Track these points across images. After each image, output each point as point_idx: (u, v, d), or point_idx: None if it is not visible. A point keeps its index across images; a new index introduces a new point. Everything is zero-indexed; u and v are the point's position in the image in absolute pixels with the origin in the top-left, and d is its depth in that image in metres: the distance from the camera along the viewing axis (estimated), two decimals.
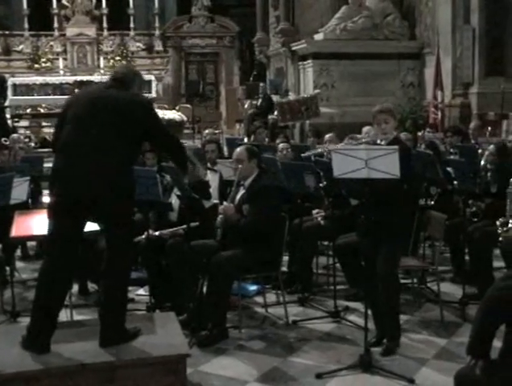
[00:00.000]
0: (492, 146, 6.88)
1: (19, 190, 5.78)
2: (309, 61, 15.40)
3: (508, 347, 2.90)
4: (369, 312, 4.88)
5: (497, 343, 2.98)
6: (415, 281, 6.28)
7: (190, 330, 5.13)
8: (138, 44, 21.47)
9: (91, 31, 20.60)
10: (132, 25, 21.21)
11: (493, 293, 2.91)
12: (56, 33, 20.63)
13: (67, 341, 4.08)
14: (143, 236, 5.88)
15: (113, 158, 3.98)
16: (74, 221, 4.02)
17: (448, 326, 5.47)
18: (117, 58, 20.65)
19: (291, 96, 14.54)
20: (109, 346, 4.00)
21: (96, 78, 19.10)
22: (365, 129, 7.75)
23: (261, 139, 10.23)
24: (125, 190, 4.07)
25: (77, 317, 5.51)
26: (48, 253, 4.13)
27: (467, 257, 6.59)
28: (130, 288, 6.39)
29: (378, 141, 5.01)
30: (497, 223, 5.91)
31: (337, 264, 6.12)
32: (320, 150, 6.74)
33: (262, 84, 15.83)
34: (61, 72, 19.58)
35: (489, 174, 6.70)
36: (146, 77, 20.07)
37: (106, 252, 4.12)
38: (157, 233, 5.86)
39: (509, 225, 5.85)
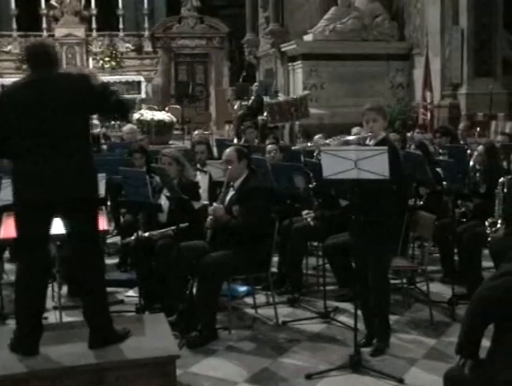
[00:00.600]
0: (480, 147, 6.90)
1: (8, 191, 5.75)
2: (298, 62, 15.42)
3: (496, 347, 2.91)
4: (359, 312, 4.88)
5: (486, 343, 2.99)
6: (405, 281, 6.29)
7: (180, 331, 5.12)
8: (127, 45, 21.44)
9: (80, 32, 20.56)
10: (121, 26, 21.19)
11: (482, 293, 2.92)
12: (45, 33, 20.55)
13: (56, 343, 4.06)
14: (133, 237, 5.87)
15: (76, 156, 3.88)
16: (44, 222, 3.98)
17: (437, 326, 5.49)
18: (107, 59, 20.63)
19: (281, 97, 14.53)
20: (98, 348, 3.98)
21: None
22: (355, 129, 7.77)
23: (250, 140, 10.23)
24: (93, 185, 4.02)
25: (66, 318, 5.48)
26: (21, 257, 4.03)
27: (456, 257, 6.62)
28: (119, 289, 6.48)
29: (367, 142, 5.01)
30: (486, 223, 5.95)
31: (327, 265, 6.13)
32: (309, 144, 6.74)
33: (255, 84, 15.82)
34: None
35: (477, 174, 6.73)
36: (136, 78, 20.19)
37: (75, 252, 4.06)
38: (146, 234, 5.84)
39: (498, 225, 5.89)
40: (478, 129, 11.04)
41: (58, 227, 4.16)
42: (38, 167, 3.85)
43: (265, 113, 13.02)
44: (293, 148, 6.87)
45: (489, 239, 5.91)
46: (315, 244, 6.96)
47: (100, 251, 4.22)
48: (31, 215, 3.90)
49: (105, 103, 4.05)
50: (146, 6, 21.40)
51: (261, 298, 6.16)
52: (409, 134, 10.91)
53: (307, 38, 15.69)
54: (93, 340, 4.01)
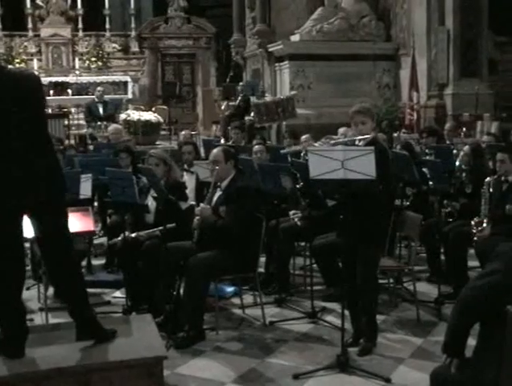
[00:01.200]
0: (466, 147, 6.95)
1: None
2: (285, 62, 15.43)
3: (482, 346, 2.93)
4: (346, 312, 4.89)
5: (472, 342, 3.00)
6: (392, 281, 6.31)
7: (167, 332, 5.11)
8: (113, 45, 21.36)
9: (66, 32, 20.45)
10: (108, 26, 21.11)
11: (468, 292, 2.93)
12: (30, 33, 20.47)
13: (42, 345, 4.04)
14: (119, 238, 5.86)
15: (40, 155, 3.83)
16: (17, 223, 3.95)
17: (424, 326, 5.51)
18: (93, 59, 20.54)
19: (268, 98, 14.55)
20: (85, 340, 3.96)
21: (71, 79, 19.04)
22: (341, 130, 7.79)
23: (237, 140, 10.23)
24: (60, 183, 3.99)
25: (52, 320, 5.46)
26: None
27: (442, 257, 6.65)
28: (106, 290, 6.46)
29: (356, 142, 5.01)
30: (472, 223, 5.98)
31: (314, 265, 6.14)
32: (298, 147, 6.75)
33: (241, 84, 15.82)
34: (36, 73, 19.40)
35: (463, 174, 6.77)
36: (122, 78, 20.13)
37: (44, 252, 4.03)
38: (133, 235, 5.83)
39: (484, 225, 5.92)
40: (464, 129, 11.09)
41: None
42: (5, 169, 3.80)
43: (252, 114, 13.04)
44: (282, 152, 6.84)
45: (475, 238, 5.94)
46: (303, 244, 6.96)
47: (70, 248, 4.15)
48: (9, 217, 3.87)
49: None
50: (132, 6, 21.35)
51: (248, 299, 6.16)
52: (395, 134, 10.95)
53: (294, 38, 15.71)
54: (80, 333, 3.99)
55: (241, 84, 15.86)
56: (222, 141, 11.52)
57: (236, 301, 6.13)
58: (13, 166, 3.78)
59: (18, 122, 3.77)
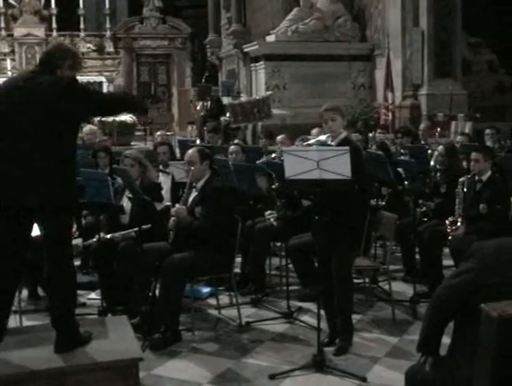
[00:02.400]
0: (441, 147, 7.00)
1: None
2: (261, 63, 15.44)
3: (456, 344, 2.95)
4: (322, 312, 4.90)
5: (447, 340, 3.02)
6: (367, 280, 6.34)
7: (143, 333, 5.09)
8: (88, 45, 21.23)
9: (40, 32, 20.30)
10: (82, 26, 20.97)
11: (442, 290, 2.95)
12: (3, 33, 20.28)
13: (16, 348, 4.00)
14: (94, 239, 5.82)
15: (49, 161, 3.79)
16: (20, 227, 3.92)
17: (399, 325, 5.54)
18: None
19: (243, 98, 14.55)
20: (64, 352, 3.93)
21: None
22: (314, 130, 7.81)
23: (213, 142, 10.21)
24: (69, 193, 3.96)
25: (27, 322, 5.42)
26: None
27: (417, 256, 6.69)
28: (81, 292, 6.39)
29: (329, 142, 5.03)
30: (447, 222, 6.03)
31: (290, 265, 6.15)
32: (273, 155, 6.77)
33: (213, 88, 15.85)
34: (9, 74, 19.20)
35: (438, 174, 6.82)
36: (97, 79, 19.99)
37: (48, 256, 4.00)
38: (108, 236, 5.79)
39: (458, 224, 5.98)
40: (439, 129, 11.16)
41: None
42: (12, 170, 3.79)
43: (227, 114, 13.03)
44: (259, 162, 6.84)
45: (449, 237, 5.99)
46: (278, 244, 6.97)
47: (71, 256, 4.15)
48: (6, 218, 3.84)
49: (105, 108, 4.12)
50: (107, 6, 21.22)
51: (224, 299, 6.16)
52: (371, 134, 11.00)
53: (270, 38, 15.73)
54: (60, 344, 3.95)
55: (214, 88, 15.89)
56: (198, 141, 11.50)
57: (212, 301, 6.12)
58: (14, 166, 3.78)
59: (29, 125, 3.76)
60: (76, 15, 20.87)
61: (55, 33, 20.57)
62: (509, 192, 6.38)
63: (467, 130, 11.77)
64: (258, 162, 6.97)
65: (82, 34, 21.07)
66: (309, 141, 5.22)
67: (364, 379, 4.45)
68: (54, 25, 20.52)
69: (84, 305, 6.10)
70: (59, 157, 3.84)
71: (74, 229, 8.18)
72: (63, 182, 3.86)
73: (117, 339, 4.17)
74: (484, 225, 5.84)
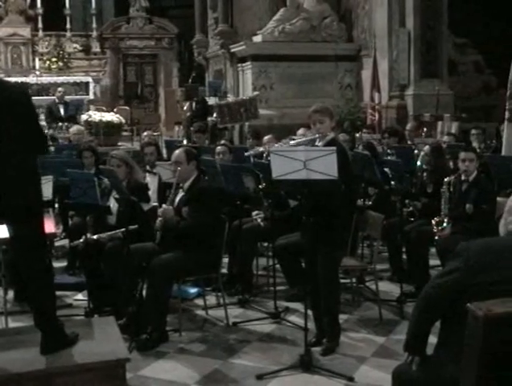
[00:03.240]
0: (427, 147, 7.02)
1: None
2: (248, 63, 15.44)
3: (442, 343, 2.96)
4: (309, 312, 4.91)
5: (433, 339, 3.03)
6: (354, 280, 6.35)
7: (130, 334, 5.08)
8: (74, 45, 21.14)
9: (25, 32, 20.19)
10: (68, 26, 20.88)
11: (429, 290, 2.96)
12: None
13: (2, 350, 3.98)
14: (81, 240, 5.79)
15: (12, 164, 3.78)
16: None
17: (386, 324, 5.56)
18: (54, 59, 20.30)
19: (230, 98, 14.55)
20: (50, 353, 3.91)
21: (31, 80, 18.79)
22: (300, 131, 7.81)
23: (200, 143, 10.20)
24: (33, 193, 3.94)
25: (12, 324, 5.39)
26: None
27: (404, 256, 6.71)
28: (68, 293, 6.39)
29: (316, 143, 5.03)
30: (433, 222, 6.05)
31: (277, 266, 6.15)
32: (261, 149, 6.75)
33: (200, 88, 15.84)
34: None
35: (424, 174, 6.84)
36: (84, 79, 19.94)
37: (20, 259, 3.98)
38: (95, 237, 5.77)
39: (444, 224, 6.00)
40: (425, 129, 11.23)
41: (2, 231, 4.08)
42: None
43: (214, 114, 13.02)
44: (246, 154, 6.82)
45: (436, 237, 6.01)
46: (265, 244, 6.97)
47: (44, 256, 4.11)
48: None
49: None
50: (93, 5, 21.15)
51: (211, 300, 6.15)
52: (358, 135, 11.03)
53: (257, 39, 15.73)
54: (46, 346, 3.93)
55: (201, 88, 15.90)
56: (185, 141, 11.48)
57: (199, 302, 6.11)
58: None
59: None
60: (62, 15, 20.78)
61: (40, 33, 20.48)
62: (495, 192, 6.42)
63: (453, 130, 11.82)
64: (246, 153, 6.95)
65: (68, 34, 20.97)
66: (298, 140, 5.20)
67: (351, 379, 4.46)
68: (40, 25, 20.41)
69: (70, 306, 6.08)
70: (17, 159, 3.82)
71: (60, 230, 8.19)
72: (21, 182, 3.85)
73: (104, 340, 4.16)
74: (470, 225, 5.86)
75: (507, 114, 9.52)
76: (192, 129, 12.26)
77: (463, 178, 6.15)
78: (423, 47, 14.08)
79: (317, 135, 4.98)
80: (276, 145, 5.51)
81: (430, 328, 3.01)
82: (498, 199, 6.15)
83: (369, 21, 15.08)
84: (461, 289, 2.80)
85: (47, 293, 4.01)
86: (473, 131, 9.99)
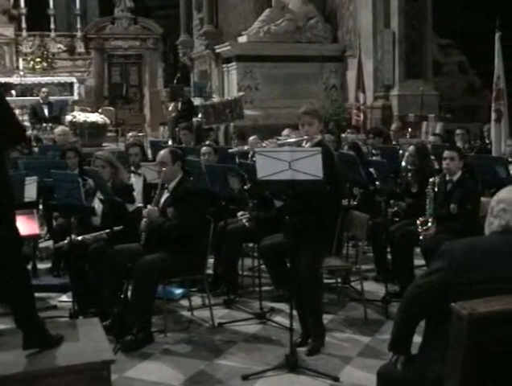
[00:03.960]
0: (411, 147, 7.04)
1: None
2: (233, 63, 15.44)
3: (427, 343, 2.97)
4: (294, 312, 4.91)
5: (418, 339, 3.05)
6: (339, 280, 6.36)
7: (115, 335, 5.05)
8: (59, 45, 21.05)
9: (9, 32, 20.09)
10: (52, 26, 20.78)
11: (413, 290, 2.97)
12: None
13: None
14: (66, 241, 5.77)
15: None
16: None
17: (371, 324, 5.57)
18: (38, 59, 20.20)
19: (216, 99, 14.55)
20: (32, 349, 3.88)
21: (15, 80, 18.70)
22: (285, 131, 7.78)
23: (186, 142, 10.19)
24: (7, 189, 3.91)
25: None
26: None
27: (389, 256, 6.73)
28: (52, 294, 6.35)
29: (303, 144, 5.03)
30: (417, 222, 6.07)
31: (262, 266, 6.15)
32: (246, 148, 6.75)
33: (185, 89, 15.83)
34: None
35: (409, 174, 6.86)
36: (68, 79, 19.85)
37: None
38: (80, 238, 5.74)
39: (429, 224, 6.02)
40: (410, 129, 11.26)
41: None
42: None
43: (199, 115, 13.02)
44: (229, 151, 6.80)
45: (420, 237, 6.03)
46: (251, 245, 6.97)
47: (20, 254, 4.07)
48: None
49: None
50: (78, 6, 21.07)
51: (196, 300, 6.14)
52: (344, 135, 11.06)
53: (242, 39, 15.74)
54: (25, 342, 3.90)
55: (186, 89, 15.88)
56: (170, 142, 11.46)
57: (184, 303, 6.10)
58: None
59: None
60: (46, 15, 20.68)
61: (24, 33, 20.36)
62: (479, 192, 6.45)
63: (438, 131, 11.89)
64: (230, 150, 6.93)
65: (52, 34, 20.88)
66: (285, 140, 5.19)
67: (336, 379, 4.47)
68: (23, 25, 20.29)
69: (55, 307, 6.06)
70: None
71: (45, 231, 8.15)
72: None
73: (89, 342, 4.14)
74: (455, 225, 5.89)
75: (494, 115, 9.61)
76: (177, 129, 12.25)
77: (447, 178, 6.18)
78: (407, 47, 14.15)
79: (305, 137, 4.99)
80: (263, 144, 5.51)
81: (414, 328, 3.01)
82: (482, 199, 6.17)
83: (354, 22, 15.12)
84: (445, 288, 2.81)
85: (24, 292, 3.97)
86: (458, 131, 10.05)
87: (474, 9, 15.58)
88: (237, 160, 7.47)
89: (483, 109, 14.61)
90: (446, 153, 6.19)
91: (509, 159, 7.29)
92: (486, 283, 2.74)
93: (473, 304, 2.58)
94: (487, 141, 10.36)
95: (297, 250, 4.92)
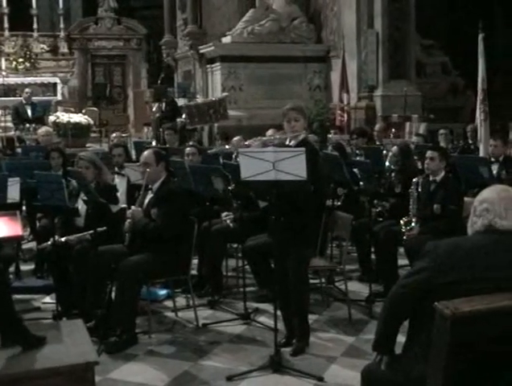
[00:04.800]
0: (395, 148, 7.08)
1: None
2: (217, 64, 15.43)
3: (411, 342, 2.98)
4: (279, 313, 4.91)
5: (402, 339, 3.06)
6: (323, 280, 6.37)
7: (98, 336, 5.03)
8: (42, 46, 20.93)
9: None
10: (35, 26, 20.66)
11: (397, 290, 2.98)
12: None
13: None
14: (49, 242, 5.74)
15: None
16: None
17: (355, 324, 5.58)
18: (20, 59, 20.07)
19: (200, 99, 14.52)
20: (10, 345, 3.84)
21: None
22: (269, 132, 7.80)
23: (170, 142, 10.16)
24: None
25: None
26: None
27: (373, 256, 6.75)
28: (35, 296, 6.32)
29: (287, 142, 5.04)
30: (401, 222, 6.09)
31: (247, 267, 6.15)
32: (227, 147, 6.74)
33: (169, 89, 15.80)
34: None
35: (393, 174, 6.89)
36: (51, 80, 19.75)
37: None
38: (63, 239, 5.71)
39: (413, 224, 6.04)
40: (393, 130, 11.31)
41: None
42: None
43: (183, 115, 12.99)
44: (209, 151, 6.77)
45: (404, 237, 6.05)
46: (235, 245, 6.96)
47: None
48: None
49: None
50: (61, 5, 20.97)
51: (181, 301, 6.13)
52: (330, 136, 11.09)
53: (226, 40, 15.73)
54: (4, 338, 3.87)
55: (170, 89, 15.85)
56: (154, 143, 11.43)
57: (168, 304, 6.09)
58: None
59: None
60: (29, 15, 20.55)
61: (7, 33, 20.24)
62: (462, 192, 6.49)
63: (421, 131, 11.94)
64: (209, 151, 6.92)
65: (35, 34, 20.76)
66: (265, 138, 5.19)
67: (321, 379, 4.47)
68: (6, 24, 20.16)
69: (38, 309, 6.03)
70: None
71: (28, 233, 8.11)
72: None
73: (73, 343, 4.11)
74: (438, 225, 5.91)
75: (483, 115, 9.67)
76: (161, 130, 12.22)
77: (431, 178, 6.20)
78: (391, 48, 14.20)
79: (289, 134, 5.00)
80: (246, 142, 5.51)
81: (398, 327, 3.02)
82: (465, 199, 6.20)
83: (338, 22, 15.15)
84: (429, 288, 2.83)
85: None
86: (441, 131, 10.12)
87: (457, 10, 15.67)
88: (221, 160, 7.47)
89: (466, 110, 14.74)
90: (427, 153, 6.23)
91: (492, 159, 7.32)
92: (469, 283, 2.76)
93: (456, 303, 2.60)
94: (470, 142, 10.43)
95: (283, 250, 4.93)
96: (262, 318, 5.70)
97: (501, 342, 2.68)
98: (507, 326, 2.67)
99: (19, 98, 15.21)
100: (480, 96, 9.88)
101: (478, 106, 9.90)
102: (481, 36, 9.84)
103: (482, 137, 9.63)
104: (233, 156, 7.51)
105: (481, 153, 9.22)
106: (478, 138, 9.90)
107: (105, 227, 5.52)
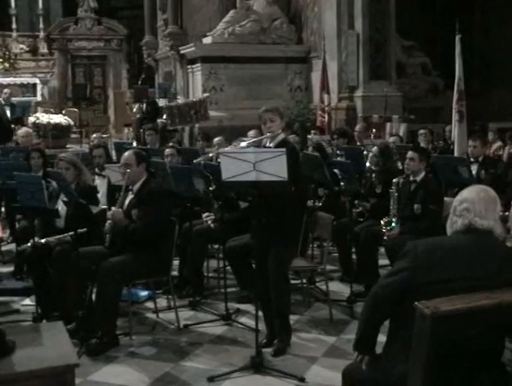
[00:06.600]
0: (375, 148, 7.10)
1: None
2: (198, 65, 15.41)
3: (391, 342, 2.99)
4: (260, 313, 4.91)
5: (382, 338, 3.06)
6: (305, 281, 6.38)
7: (79, 338, 5.01)
8: (21, 46, 20.80)
9: None
10: (14, 26, 20.51)
11: (377, 290, 2.99)
12: None
13: None
14: (29, 244, 5.70)
15: None
16: None
17: (336, 324, 5.59)
18: None
19: (180, 100, 14.49)
20: None
21: None
22: (251, 132, 7.81)
23: (151, 143, 10.13)
24: None
25: None
26: None
27: (354, 256, 6.77)
28: (15, 298, 6.28)
29: (267, 144, 5.05)
30: (382, 222, 6.12)
31: (228, 267, 6.14)
32: (210, 155, 6.72)
33: (150, 90, 15.77)
34: None
35: (373, 175, 6.91)
36: (31, 80, 19.62)
37: None
38: (43, 241, 5.68)
39: (393, 224, 6.07)
40: (374, 130, 11.34)
41: None
42: None
43: (164, 116, 12.96)
44: (194, 161, 6.72)
45: (384, 237, 6.08)
46: (216, 246, 6.96)
47: None
48: None
49: None
50: (40, 5, 20.85)
51: (162, 302, 6.11)
52: (310, 136, 11.10)
53: (207, 40, 15.71)
54: None
55: (151, 90, 15.82)
56: (134, 143, 11.39)
57: (149, 305, 6.07)
58: None
59: None
60: (8, 15, 20.41)
61: None
62: (442, 192, 6.53)
63: (401, 131, 12.00)
64: (194, 161, 6.89)
65: (14, 34, 20.62)
66: (244, 143, 5.20)
67: (302, 379, 4.48)
68: None
69: (18, 311, 5.98)
70: None
71: (7, 234, 8.05)
72: None
73: (53, 346, 4.09)
74: (418, 225, 5.94)
75: (457, 116, 9.73)
76: (141, 130, 12.18)
77: (411, 178, 6.24)
78: (371, 49, 14.26)
79: (268, 134, 5.01)
80: (228, 148, 5.51)
81: (379, 327, 3.04)
82: (445, 198, 6.24)
83: (319, 23, 15.19)
84: (409, 288, 2.84)
85: None
86: (421, 131, 10.18)
87: (436, 11, 15.76)
88: (202, 161, 7.45)
89: (446, 110, 14.78)
90: (407, 154, 6.28)
91: (472, 160, 7.37)
92: (450, 282, 2.77)
93: (436, 303, 2.61)
94: (449, 142, 10.49)
95: (264, 251, 4.93)
96: (243, 319, 5.70)
97: (481, 341, 2.70)
98: (486, 325, 2.69)
99: None
100: (455, 97, 9.95)
101: (453, 106, 9.97)
102: (458, 37, 9.90)
103: (456, 138, 9.71)
104: (214, 157, 7.48)
105: (456, 153, 9.29)
106: (452, 138, 9.98)
107: (85, 229, 5.49)
